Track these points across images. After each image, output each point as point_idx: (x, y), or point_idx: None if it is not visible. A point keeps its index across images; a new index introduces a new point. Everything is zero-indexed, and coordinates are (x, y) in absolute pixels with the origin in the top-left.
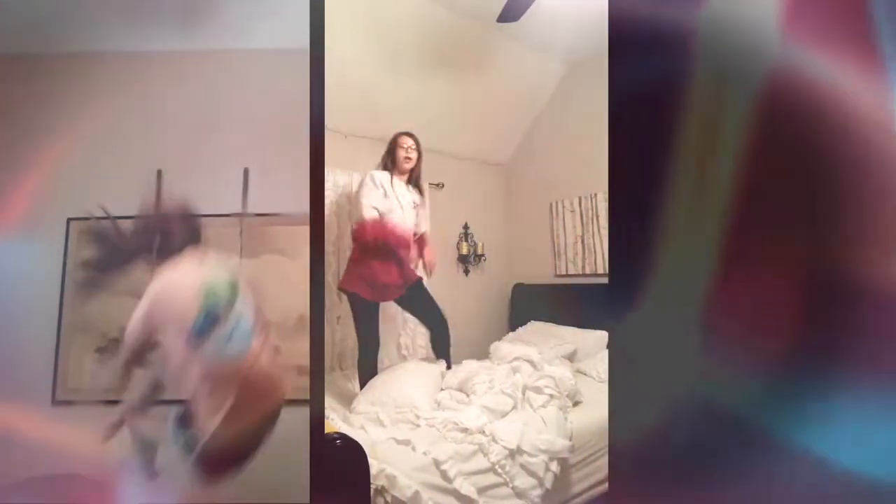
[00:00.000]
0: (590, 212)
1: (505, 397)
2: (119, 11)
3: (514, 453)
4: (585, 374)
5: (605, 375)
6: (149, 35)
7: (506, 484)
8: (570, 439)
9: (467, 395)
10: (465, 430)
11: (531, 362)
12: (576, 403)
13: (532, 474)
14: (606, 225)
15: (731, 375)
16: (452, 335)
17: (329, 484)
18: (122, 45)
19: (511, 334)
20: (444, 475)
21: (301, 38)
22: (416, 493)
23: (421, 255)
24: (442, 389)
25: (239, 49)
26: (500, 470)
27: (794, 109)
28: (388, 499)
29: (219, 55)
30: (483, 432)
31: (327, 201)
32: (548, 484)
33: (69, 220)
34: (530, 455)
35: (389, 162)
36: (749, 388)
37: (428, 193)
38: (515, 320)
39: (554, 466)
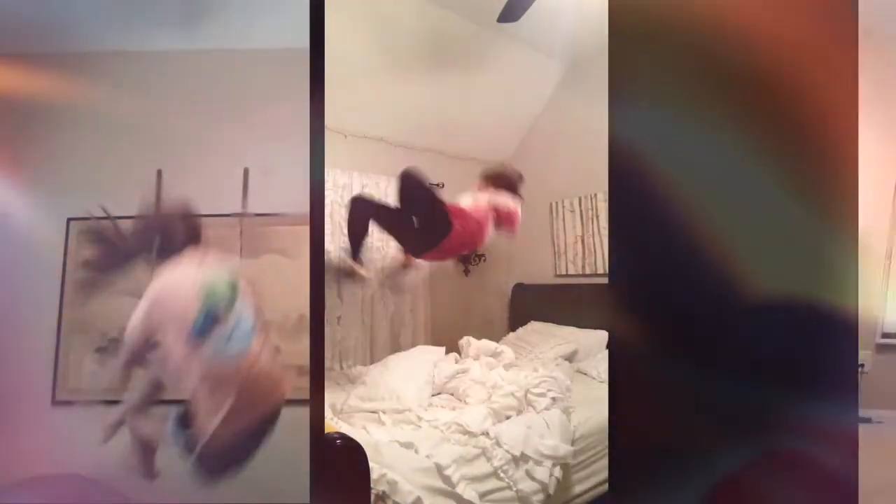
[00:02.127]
0: (590, 212)
1: (509, 399)
2: (119, 11)
3: (517, 459)
4: (586, 374)
5: (605, 375)
6: (149, 35)
7: (509, 488)
8: (573, 443)
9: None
10: (468, 433)
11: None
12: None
13: (536, 479)
14: (606, 225)
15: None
16: (454, 334)
17: (329, 484)
18: (123, 44)
19: (511, 334)
20: (446, 480)
21: (301, 38)
22: (418, 498)
23: None
24: (436, 394)
25: (239, 49)
26: (502, 475)
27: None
28: None
29: (219, 55)
30: (487, 434)
31: (327, 201)
32: (551, 489)
33: (69, 220)
34: (535, 462)
35: None
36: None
37: None
38: (515, 320)
39: (557, 472)
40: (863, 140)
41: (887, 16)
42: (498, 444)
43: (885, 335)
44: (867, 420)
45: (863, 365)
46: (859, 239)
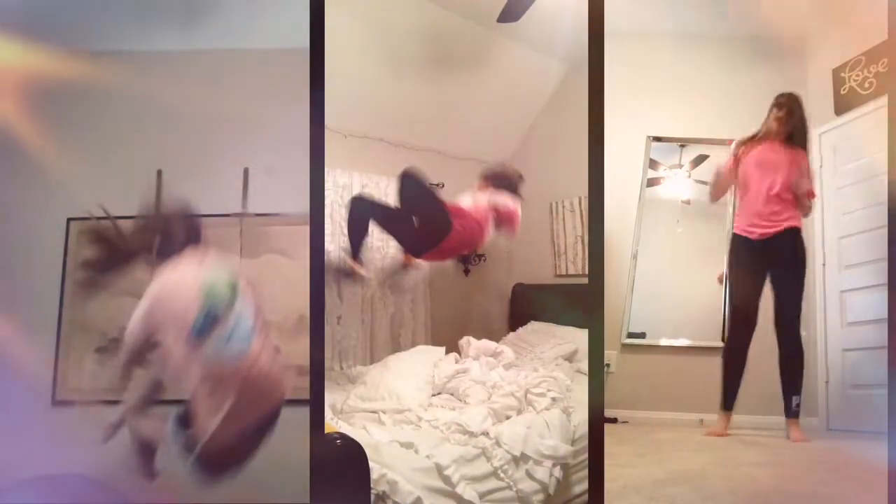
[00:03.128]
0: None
1: (509, 399)
2: (119, 11)
3: (517, 459)
4: (586, 374)
5: None
6: (149, 34)
7: (509, 488)
8: (573, 443)
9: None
10: (468, 433)
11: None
12: None
13: (536, 479)
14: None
15: None
16: (454, 334)
17: (329, 484)
18: (123, 44)
19: (511, 334)
20: (446, 480)
21: (301, 38)
22: (418, 498)
23: None
24: (436, 394)
25: (239, 49)
26: (502, 475)
27: None
28: None
29: (219, 55)
30: (487, 434)
31: (327, 201)
32: (551, 489)
33: (69, 220)
34: (535, 462)
35: None
36: None
37: None
38: (515, 320)
39: (557, 471)
40: None
41: None
42: (498, 444)
43: (631, 335)
44: (613, 420)
45: (608, 365)
46: (605, 240)
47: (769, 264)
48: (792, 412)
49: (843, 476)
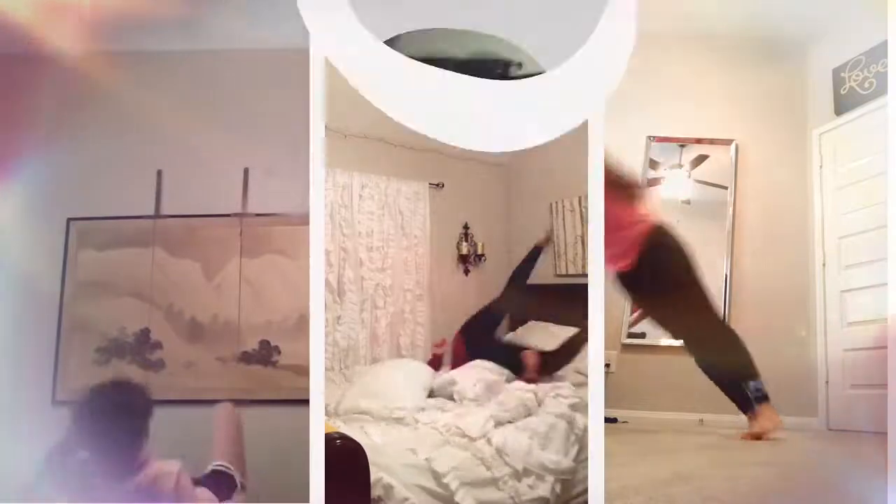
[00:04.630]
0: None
1: (509, 402)
2: (119, 11)
3: (518, 474)
4: (586, 374)
5: None
6: (149, 34)
7: (508, 493)
8: (573, 444)
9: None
10: (467, 437)
11: None
12: None
13: (536, 490)
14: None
15: None
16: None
17: (329, 484)
18: (123, 44)
19: (511, 334)
20: (444, 486)
21: (301, 38)
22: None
23: None
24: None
25: (239, 49)
26: (502, 485)
27: None
28: None
29: (219, 55)
30: (486, 439)
31: (327, 201)
32: (551, 493)
33: (69, 220)
34: (538, 477)
35: None
36: None
37: None
38: (515, 320)
39: (559, 487)
40: None
41: None
42: (497, 447)
43: (631, 335)
44: (613, 420)
45: (608, 365)
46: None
47: (656, 280)
48: (760, 398)
49: (844, 476)
